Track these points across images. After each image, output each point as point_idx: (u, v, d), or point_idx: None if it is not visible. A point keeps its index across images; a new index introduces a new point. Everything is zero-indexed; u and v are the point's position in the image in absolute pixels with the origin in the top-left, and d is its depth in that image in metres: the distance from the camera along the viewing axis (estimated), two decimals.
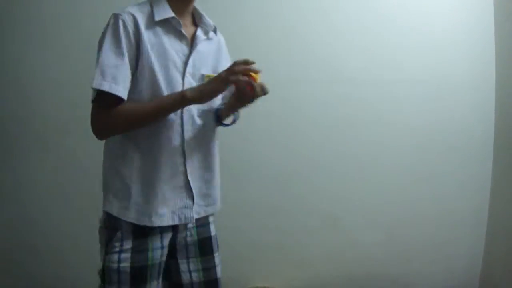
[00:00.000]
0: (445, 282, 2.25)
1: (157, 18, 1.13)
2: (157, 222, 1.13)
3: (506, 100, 2.16)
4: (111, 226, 1.14)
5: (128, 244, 1.12)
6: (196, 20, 1.25)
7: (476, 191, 2.25)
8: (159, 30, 1.13)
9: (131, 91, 1.09)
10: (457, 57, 2.21)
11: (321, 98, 2.19)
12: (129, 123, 1.10)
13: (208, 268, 1.26)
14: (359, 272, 2.23)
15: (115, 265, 1.11)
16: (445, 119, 2.22)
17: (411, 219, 2.22)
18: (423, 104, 2.21)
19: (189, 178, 1.16)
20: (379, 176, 2.22)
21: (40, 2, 2.09)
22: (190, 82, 1.16)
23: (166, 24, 1.14)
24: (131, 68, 1.09)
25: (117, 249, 1.12)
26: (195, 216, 1.20)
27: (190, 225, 1.23)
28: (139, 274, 1.13)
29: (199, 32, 1.21)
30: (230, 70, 1.06)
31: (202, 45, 1.21)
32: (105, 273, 1.13)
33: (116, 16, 1.09)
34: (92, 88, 1.06)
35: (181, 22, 1.16)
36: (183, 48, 1.17)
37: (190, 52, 1.17)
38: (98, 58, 1.06)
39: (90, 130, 1.12)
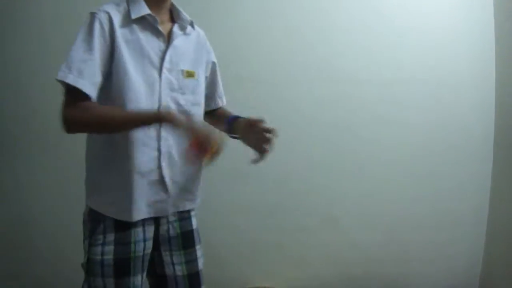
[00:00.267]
0: (445, 282, 2.25)
1: (134, 16, 1.14)
2: (136, 216, 1.14)
3: (506, 99, 2.16)
4: (94, 219, 1.16)
5: (111, 237, 1.14)
6: (174, 17, 1.25)
7: (476, 191, 2.25)
8: (135, 27, 1.14)
9: (108, 90, 1.10)
10: (457, 56, 2.21)
11: (321, 97, 2.19)
12: (96, 122, 1.08)
13: (190, 260, 1.28)
14: (358, 272, 2.23)
15: (98, 258, 1.13)
16: (445, 118, 2.22)
17: (411, 219, 2.22)
18: (423, 103, 2.21)
19: (164, 173, 1.17)
20: (378, 175, 2.22)
21: (40, 2, 2.09)
22: (168, 78, 1.17)
23: (142, 21, 1.15)
24: (103, 66, 1.09)
25: (100, 241, 1.14)
26: (171, 210, 1.22)
27: (171, 219, 1.25)
28: (122, 266, 1.14)
29: (175, 28, 1.22)
30: (199, 131, 1.05)
31: (179, 41, 1.22)
32: (89, 265, 1.14)
33: (92, 15, 1.10)
34: (57, 80, 1.05)
35: (157, 19, 1.17)
36: (160, 44, 1.17)
37: (167, 48, 1.18)
38: (68, 53, 1.07)
39: None
